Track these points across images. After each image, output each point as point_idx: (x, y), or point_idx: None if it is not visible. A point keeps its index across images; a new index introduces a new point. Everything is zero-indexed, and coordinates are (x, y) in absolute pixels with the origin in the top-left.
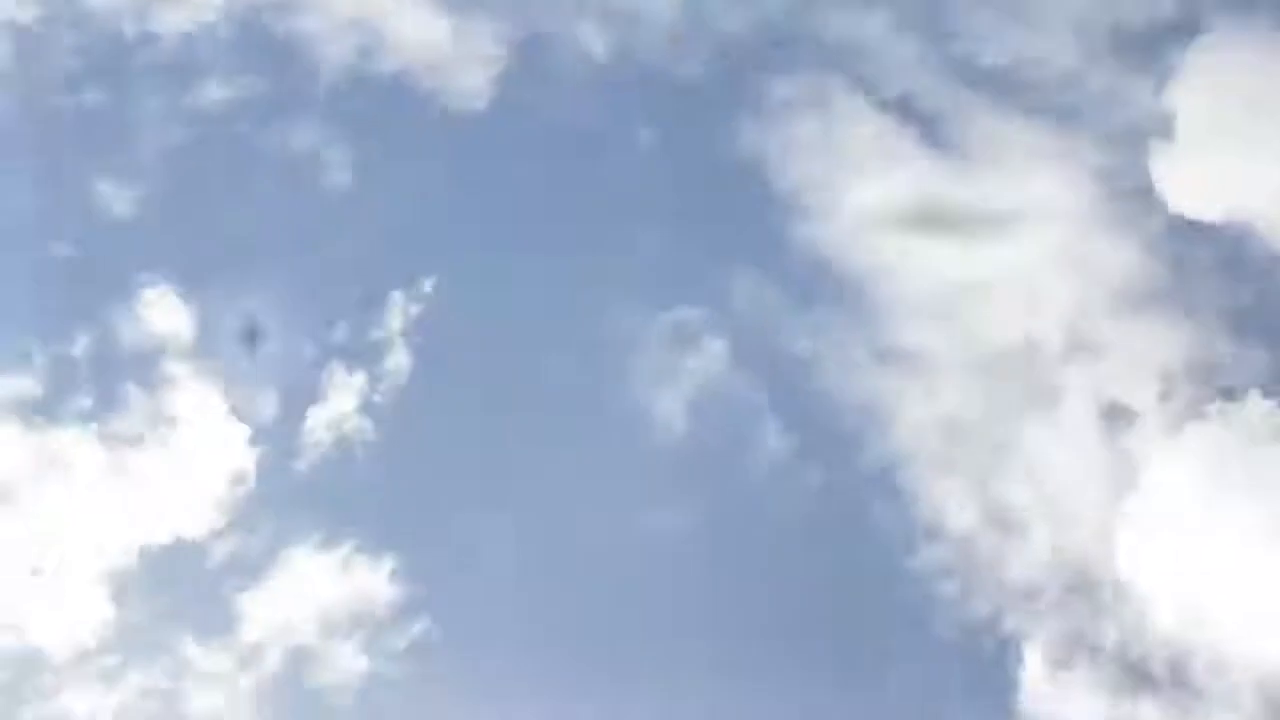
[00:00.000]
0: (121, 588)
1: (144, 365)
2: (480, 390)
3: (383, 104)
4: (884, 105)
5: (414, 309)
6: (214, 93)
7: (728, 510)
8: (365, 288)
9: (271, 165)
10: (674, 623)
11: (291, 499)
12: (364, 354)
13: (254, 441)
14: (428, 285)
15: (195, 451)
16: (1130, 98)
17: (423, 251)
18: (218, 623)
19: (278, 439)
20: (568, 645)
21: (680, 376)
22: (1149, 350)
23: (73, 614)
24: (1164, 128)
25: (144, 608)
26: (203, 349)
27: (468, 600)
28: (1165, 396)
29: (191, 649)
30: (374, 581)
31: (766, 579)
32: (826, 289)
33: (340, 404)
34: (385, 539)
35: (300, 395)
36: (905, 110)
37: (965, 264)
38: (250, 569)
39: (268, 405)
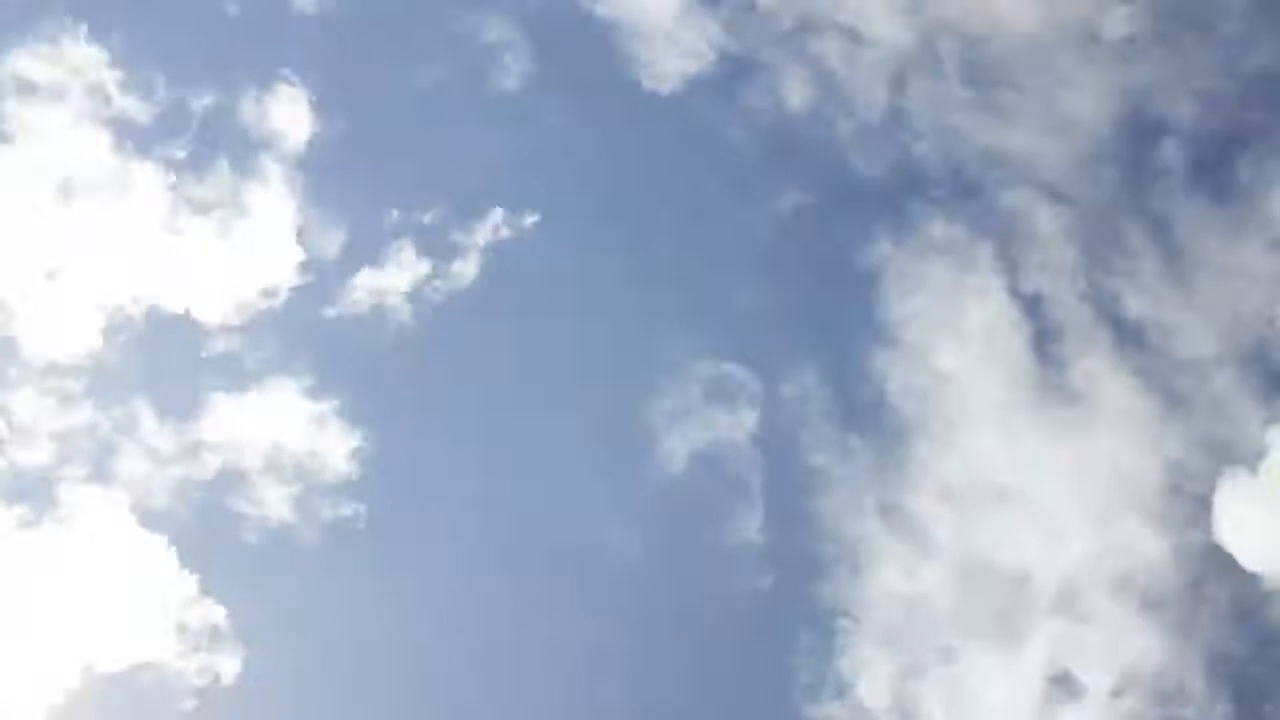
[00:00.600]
0: (115, 330)
1: (246, 149)
2: (517, 339)
3: (577, 41)
4: (1015, 293)
5: (505, 232)
6: None
7: (673, 565)
8: (474, 190)
9: (454, 40)
10: (566, 632)
11: (303, 337)
12: (439, 248)
13: (301, 269)
14: (529, 219)
15: (244, 249)
16: (1236, 413)
17: (541, 187)
18: (180, 407)
19: (323, 278)
20: (471, 595)
21: (700, 424)
22: (1126, 648)
23: (63, 327)
24: (1252, 458)
25: (126, 358)
26: (303, 163)
27: (404, 510)
28: (1116, 694)
29: (145, 415)
30: (336, 450)
31: (668, 645)
32: (871, 422)
33: (394, 279)
34: (364, 416)
35: (363, 251)
36: (1032, 308)
37: (1010, 473)
38: (236, 376)
39: (331, 244)
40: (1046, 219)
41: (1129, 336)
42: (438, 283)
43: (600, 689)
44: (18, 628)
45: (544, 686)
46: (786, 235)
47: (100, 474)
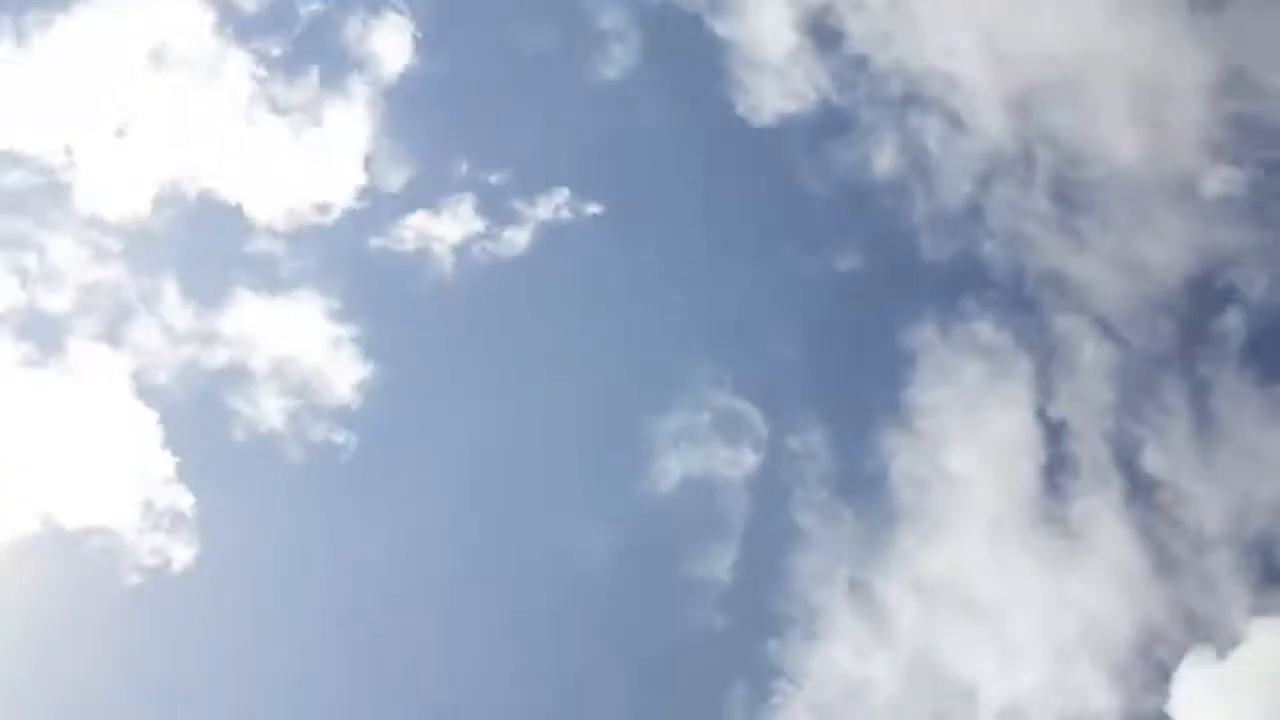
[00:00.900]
0: (165, 202)
1: (339, 65)
2: (548, 319)
3: (687, 50)
4: (1042, 416)
5: (565, 214)
6: None
7: (635, 580)
8: (546, 165)
9: (569, 16)
10: (511, 619)
11: (343, 259)
12: (497, 211)
13: (359, 196)
14: (591, 208)
15: (311, 159)
16: (1223, 595)
17: (613, 180)
18: (206, 294)
19: (377, 209)
20: (429, 552)
21: (701, 451)
22: None
23: (116, 187)
24: (1225, 643)
25: (168, 232)
26: (390, 92)
27: (393, 451)
28: None
29: (170, 291)
30: (343, 376)
31: (607, 658)
32: (865, 498)
33: (446, 228)
34: (380, 351)
35: (424, 196)
36: (1054, 435)
37: (986, 586)
38: (266, 279)
39: (396, 179)
40: (1092, 352)
41: (1140, 489)
42: (487, 243)
43: (529, 682)
44: None
45: (476, 669)
46: (836, 294)
47: (112, 335)
